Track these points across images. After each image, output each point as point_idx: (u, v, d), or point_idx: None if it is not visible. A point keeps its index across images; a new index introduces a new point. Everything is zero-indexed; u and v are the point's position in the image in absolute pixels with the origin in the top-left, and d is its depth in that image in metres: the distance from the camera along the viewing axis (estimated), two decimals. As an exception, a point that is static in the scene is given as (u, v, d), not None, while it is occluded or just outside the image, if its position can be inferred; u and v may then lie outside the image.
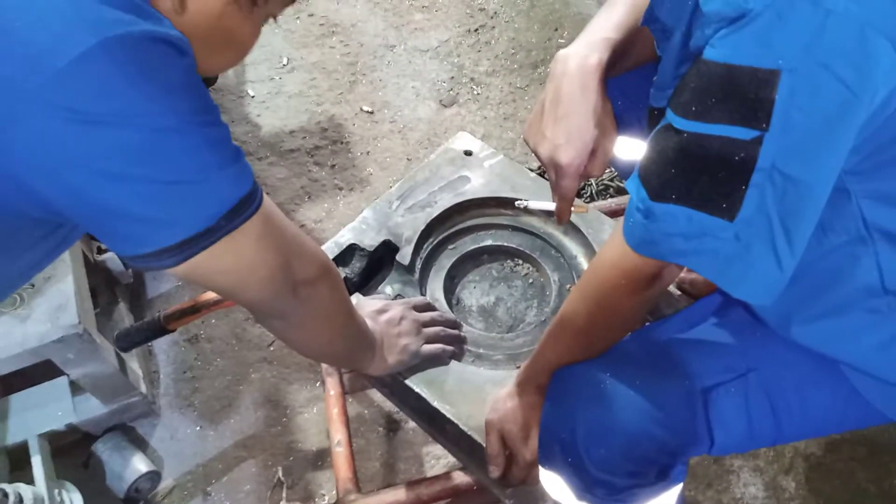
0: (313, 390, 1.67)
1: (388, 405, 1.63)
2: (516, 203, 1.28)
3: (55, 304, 1.28)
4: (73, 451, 1.53)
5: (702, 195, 0.70)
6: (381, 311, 1.13)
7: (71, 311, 1.26)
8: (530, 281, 1.32)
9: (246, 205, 0.69)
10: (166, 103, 0.61)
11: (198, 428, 1.63)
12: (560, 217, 1.03)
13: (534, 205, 1.21)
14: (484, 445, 1.06)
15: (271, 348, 1.74)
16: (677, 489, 1.01)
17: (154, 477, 1.53)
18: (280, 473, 1.55)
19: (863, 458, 1.52)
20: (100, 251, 1.60)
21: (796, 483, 1.49)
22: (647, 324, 1.08)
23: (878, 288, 0.81)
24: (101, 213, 0.65)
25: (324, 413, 1.62)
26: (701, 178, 0.70)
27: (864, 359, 0.88)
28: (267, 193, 0.76)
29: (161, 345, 1.75)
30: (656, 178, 0.73)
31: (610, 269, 0.86)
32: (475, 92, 2.24)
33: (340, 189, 2.03)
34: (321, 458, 1.57)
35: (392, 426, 1.61)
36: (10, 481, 1.27)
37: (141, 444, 1.57)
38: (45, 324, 1.25)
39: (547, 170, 0.98)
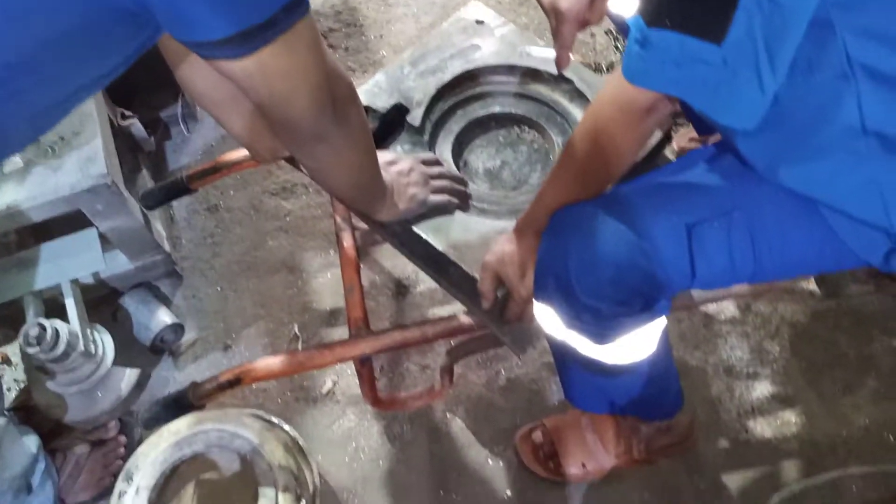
0: (327, 257, 1.76)
1: (398, 271, 1.72)
2: (518, 49, 1.32)
3: (85, 156, 1.35)
4: (101, 306, 1.64)
5: (694, 19, 0.75)
6: (392, 163, 1.20)
7: (100, 162, 1.34)
8: (535, 146, 1.37)
9: (299, 4, 0.73)
10: None
11: (218, 289, 1.73)
12: (559, 63, 1.08)
13: (535, 51, 1.25)
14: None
15: (287, 218, 1.82)
16: (661, 323, 1.10)
17: (178, 329, 1.64)
18: (296, 329, 1.67)
19: (847, 327, 1.60)
20: (124, 117, 1.66)
21: (780, 347, 1.58)
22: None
23: (858, 128, 0.86)
24: None
25: (338, 278, 1.71)
26: (694, 2, 0.74)
27: (842, 200, 0.94)
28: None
29: (182, 213, 1.83)
30: (653, 4, 0.78)
31: (608, 104, 0.92)
32: (489, -23, 2.24)
33: (353, 71, 2.06)
34: (335, 317, 1.68)
35: (401, 290, 1.71)
36: (47, 321, 1.38)
37: (165, 301, 1.68)
38: (76, 174, 1.33)
39: (548, 16, 1.02)
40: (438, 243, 1.19)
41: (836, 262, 1.02)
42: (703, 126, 1.14)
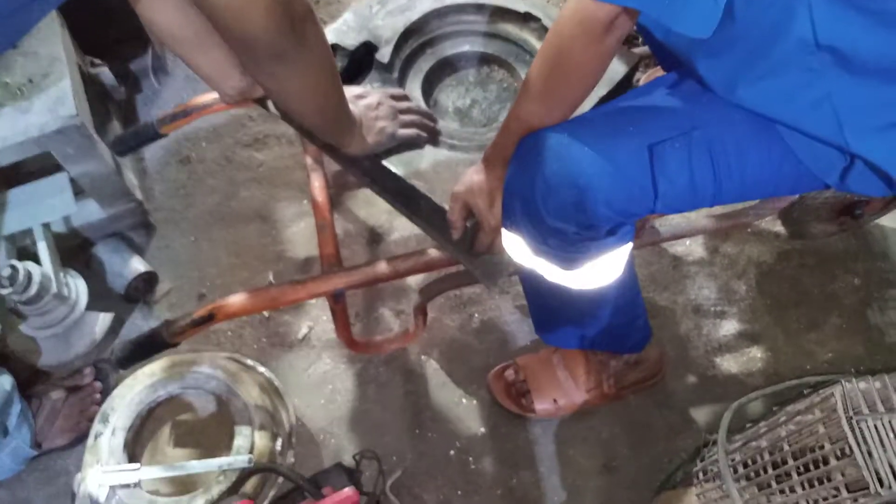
0: (301, 207, 1.77)
1: (372, 220, 1.74)
2: None
3: (54, 97, 1.34)
4: (74, 256, 1.63)
5: None
6: (361, 97, 1.21)
7: (69, 103, 1.33)
8: (504, 85, 1.39)
9: None
10: None
11: (192, 238, 1.74)
12: None
13: None
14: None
15: (260, 169, 1.82)
16: (626, 249, 1.12)
17: (152, 278, 1.64)
18: (271, 277, 1.67)
19: (811, 266, 1.64)
20: (93, 65, 1.65)
21: (747, 286, 1.62)
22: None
23: (811, 43, 0.89)
24: None
25: (312, 227, 1.72)
26: None
27: (798, 117, 0.96)
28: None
29: (154, 165, 1.83)
30: None
31: (567, 21, 0.93)
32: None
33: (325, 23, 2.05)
34: (309, 265, 1.69)
35: (375, 238, 1.72)
36: (19, 265, 1.38)
37: (138, 251, 1.68)
38: (46, 115, 1.32)
39: None
40: (408, 176, 1.20)
41: (794, 182, 1.05)
42: (669, 61, 1.15)
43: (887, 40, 0.85)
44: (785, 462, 0.98)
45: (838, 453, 0.86)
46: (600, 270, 1.12)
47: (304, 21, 0.89)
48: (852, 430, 0.83)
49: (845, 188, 1.02)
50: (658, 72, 1.59)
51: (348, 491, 1.13)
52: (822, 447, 0.89)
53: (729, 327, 1.58)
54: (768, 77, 0.94)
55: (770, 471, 1.03)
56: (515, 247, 1.12)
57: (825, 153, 0.99)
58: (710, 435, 1.27)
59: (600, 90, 1.26)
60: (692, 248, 1.67)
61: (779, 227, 1.67)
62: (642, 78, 1.57)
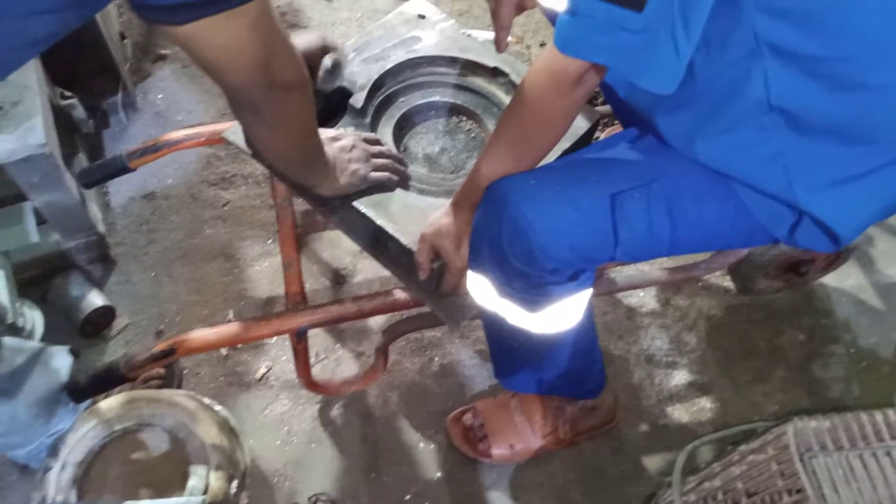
0: (265, 246, 1.78)
1: (336, 262, 1.75)
2: (461, 31, 1.39)
3: (24, 126, 1.34)
4: (31, 287, 1.61)
5: None
6: (335, 139, 1.24)
7: (38, 132, 1.33)
8: (472, 135, 1.44)
9: None
10: None
11: (152, 274, 1.73)
12: (498, 44, 1.16)
13: (476, 34, 1.32)
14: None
15: (225, 208, 1.83)
16: (586, 294, 1.16)
17: (109, 312, 1.62)
18: (231, 315, 1.67)
19: (758, 321, 1.71)
20: (63, 97, 1.66)
21: (697, 338, 1.68)
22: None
23: (764, 103, 0.95)
24: None
25: (275, 267, 1.73)
26: None
27: (750, 173, 1.03)
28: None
29: (118, 199, 1.82)
30: None
31: (539, 73, 0.98)
32: (431, -11, 2.32)
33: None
34: (271, 305, 1.69)
35: (339, 280, 1.74)
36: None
37: (97, 285, 1.66)
38: (14, 143, 1.32)
39: None
40: (377, 218, 1.23)
41: (747, 235, 1.11)
42: (629, 119, 1.22)
43: (835, 103, 0.92)
44: (738, 501, 1.02)
45: (791, 491, 0.90)
46: (561, 314, 1.16)
47: (286, 90, 0.92)
48: (804, 468, 0.87)
49: (794, 243, 1.08)
50: (617, 129, 1.66)
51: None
52: (775, 485, 0.93)
53: (680, 377, 1.63)
54: (724, 134, 1.00)
55: (724, 511, 1.06)
56: (481, 288, 1.16)
57: (776, 209, 1.05)
58: (665, 478, 1.30)
59: (564, 143, 1.32)
60: (645, 300, 1.73)
61: (728, 283, 1.74)
62: (602, 135, 1.65)
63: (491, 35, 1.20)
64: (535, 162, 1.09)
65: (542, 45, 2.16)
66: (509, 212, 1.03)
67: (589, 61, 0.92)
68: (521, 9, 1.12)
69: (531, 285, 1.08)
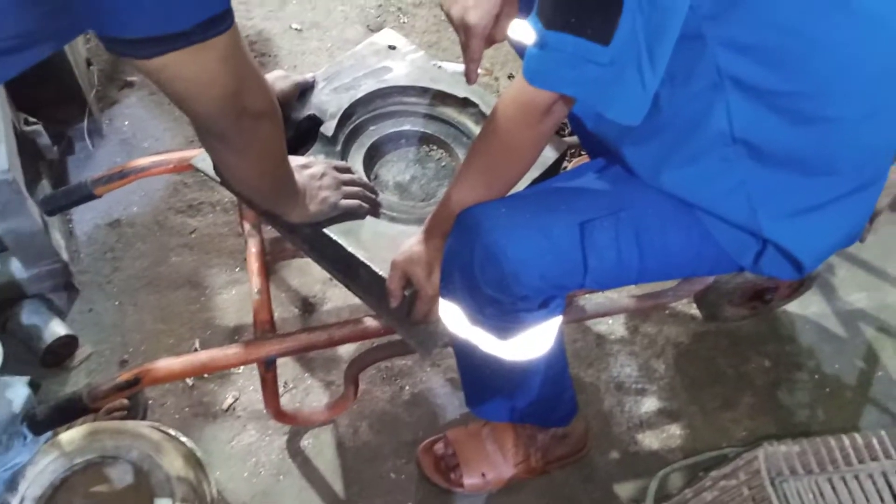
0: (233, 274, 1.76)
1: (305, 289, 1.74)
2: (432, 62, 1.41)
3: (-16, 153, 1.32)
4: (-10, 316, 1.57)
5: (585, 22, 0.84)
6: (306, 166, 1.24)
7: (1, 158, 1.31)
8: (443, 164, 1.45)
9: (220, 21, 0.77)
10: None
11: (117, 303, 1.69)
12: (469, 77, 1.18)
13: (446, 66, 1.34)
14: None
15: (193, 235, 1.81)
16: (556, 322, 1.17)
17: (71, 342, 1.58)
18: (197, 345, 1.64)
19: (724, 348, 1.73)
20: (27, 123, 1.63)
21: (666, 365, 1.69)
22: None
23: (727, 135, 0.98)
24: None
25: (242, 295, 1.71)
26: (584, 5, 0.84)
27: (715, 203, 1.05)
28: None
29: (83, 227, 1.79)
30: (550, 8, 0.87)
31: (509, 103, 1.00)
32: (401, 20, 2.34)
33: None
34: (239, 334, 1.67)
35: (308, 308, 1.72)
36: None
37: (59, 314, 1.62)
38: (-25, 169, 1.30)
39: (457, 31, 1.11)
40: (348, 244, 1.23)
41: (713, 263, 1.13)
42: (596, 149, 1.24)
43: (796, 136, 0.95)
44: (709, 529, 1.02)
45: None
46: (532, 342, 1.16)
47: (259, 117, 0.92)
48: (776, 492, 0.88)
49: (758, 271, 1.11)
50: (584, 160, 1.69)
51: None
52: None
53: (649, 404, 1.64)
54: (688, 164, 1.03)
55: (694, 539, 1.07)
56: (452, 316, 1.16)
57: (740, 237, 1.07)
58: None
59: (533, 172, 1.33)
60: (614, 327, 1.74)
61: (694, 310, 1.76)
62: (569, 165, 1.67)
63: (461, 67, 1.22)
64: (506, 190, 1.10)
65: (511, 76, 2.20)
66: (481, 239, 1.04)
67: (557, 93, 0.94)
68: (490, 42, 1.14)
69: (502, 312, 1.09)
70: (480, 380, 1.33)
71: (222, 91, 0.85)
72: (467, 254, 1.06)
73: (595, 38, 0.84)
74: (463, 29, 1.11)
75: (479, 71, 1.19)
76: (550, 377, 1.28)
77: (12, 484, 1.26)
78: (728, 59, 0.91)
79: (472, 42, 1.11)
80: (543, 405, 1.36)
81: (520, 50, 1.44)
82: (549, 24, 0.87)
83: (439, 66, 1.38)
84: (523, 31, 1.22)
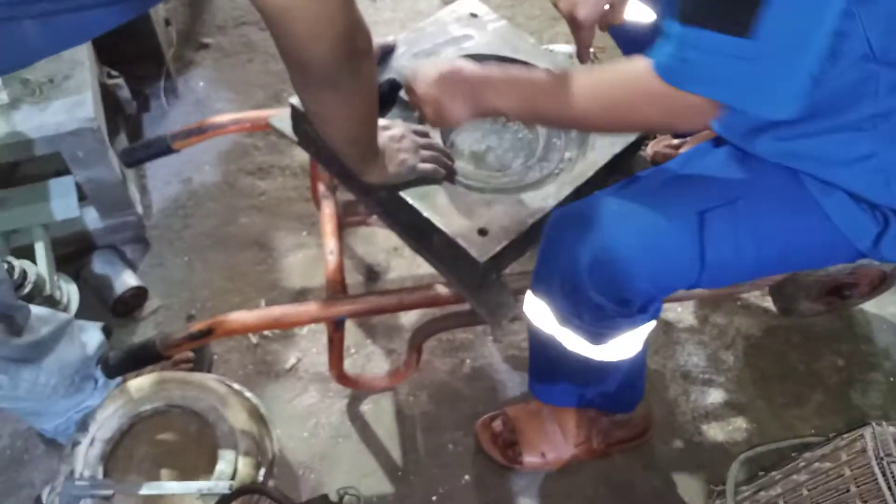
0: (300, 238, 1.76)
1: (370, 257, 1.74)
2: (543, 48, 1.39)
3: (73, 100, 1.34)
4: (66, 264, 1.60)
5: (727, 16, 0.78)
6: (386, 128, 1.23)
7: (87, 106, 1.33)
8: (520, 136, 1.42)
9: None
10: None
11: (186, 259, 1.72)
12: (581, 59, 1.18)
13: (557, 48, 1.32)
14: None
15: (262, 197, 1.83)
16: (652, 325, 1.13)
17: (141, 293, 1.61)
18: (263, 304, 1.65)
19: (796, 343, 1.67)
20: (110, 76, 1.66)
21: (735, 357, 1.64)
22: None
23: (872, 107, 0.92)
24: None
25: (309, 259, 1.72)
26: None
27: (847, 175, 0.98)
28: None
29: (156, 182, 1.82)
30: (688, 4, 0.81)
31: (627, 90, 0.93)
32: (476, -6, 2.31)
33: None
34: (304, 296, 1.67)
35: (372, 276, 1.72)
36: (13, 264, 1.35)
37: (131, 266, 1.65)
38: (63, 115, 1.32)
39: (567, 22, 1.11)
40: (424, 209, 1.22)
41: (829, 251, 1.06)
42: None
43: None
44: (804, 508, 0.98)
45: (866, 498, 0.86)
46: (623, 346, 1.14)
47: (362, 56, 0.92)
48: (882, 473, 0.83)
49: (878, 255, 1.04)
50: (666, 136, 1.64)
51: (335, 521, 1.10)
52: (847, 491, 0.89)
53: (716, 396, 1.59)
54: (826, 134, 0.96)
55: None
56: (539, 313, 1.13)
57: (860, 219, 1.01)
58: (716, 486, 1.26)
59: (615, 148, 1.30)
60: (683, 316, 1.70)
61: (767, 303, 1.71)
62: (650, 145, 1.63)
63: (570, 48, 1.22)
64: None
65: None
66: (592, 242, 1.00)
67: (700, 96, 0.85)
68: (606, 25, 1.14)
69: (602, 317, 1.06)
70: (553, 368, 1.30)
71: (340, 30, 0.85)
72: (573, 258, 1.02)
73: (739, 32, 0.78)
74: (571, 22, 1.12)
75: (591, 50, 1.17)
76: (629, 374, 1.26)
77: (83, 425, 1.28)
78: (880, 36, 0.86)
79: (582, 33, 1.12)
80: (614, 396, 1.33)
81: (623, 40, 1.41)
82: (689, 21, 0.81)
83: (551, 50, 1.37)
84: (638, 12, 1.22)
